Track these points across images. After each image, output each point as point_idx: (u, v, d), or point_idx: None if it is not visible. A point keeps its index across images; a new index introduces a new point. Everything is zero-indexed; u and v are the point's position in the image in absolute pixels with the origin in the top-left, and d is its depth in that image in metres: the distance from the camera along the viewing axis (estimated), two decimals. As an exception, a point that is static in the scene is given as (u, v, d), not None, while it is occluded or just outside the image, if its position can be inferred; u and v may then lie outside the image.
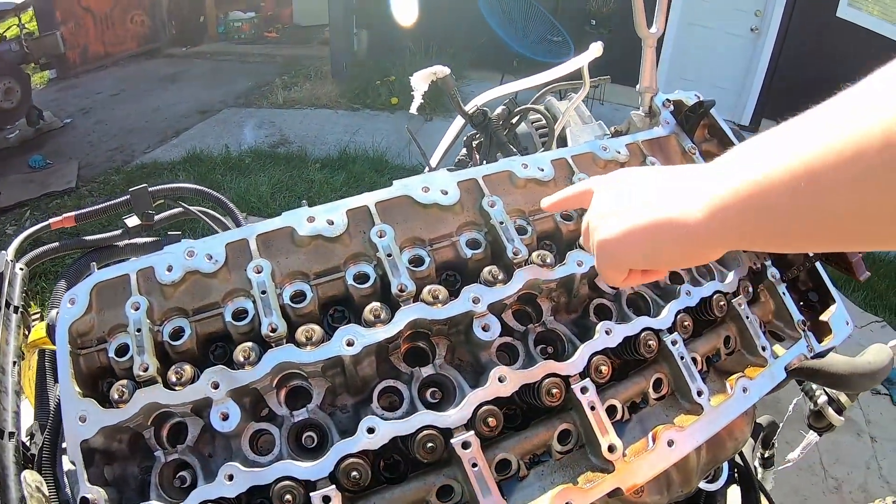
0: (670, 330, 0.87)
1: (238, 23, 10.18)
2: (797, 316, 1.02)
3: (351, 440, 0.68)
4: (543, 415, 0.79)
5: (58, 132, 6.30)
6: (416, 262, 0.83)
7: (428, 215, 0.87)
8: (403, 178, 0.87)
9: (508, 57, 7.03)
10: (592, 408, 0.75)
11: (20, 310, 0.96)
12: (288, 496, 0.65)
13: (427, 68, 1.15)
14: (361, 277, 0.80)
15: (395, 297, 0.77)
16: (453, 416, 0.70)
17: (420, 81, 1.15)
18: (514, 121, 1.35)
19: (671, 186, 0.59)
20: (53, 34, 6.59)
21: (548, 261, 0.83)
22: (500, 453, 0.73)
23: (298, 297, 0.78)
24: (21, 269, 1.03)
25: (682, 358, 0.85)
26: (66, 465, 0.75)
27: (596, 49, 1.17)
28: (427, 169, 1.42)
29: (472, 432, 0.70)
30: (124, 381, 0.71)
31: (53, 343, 0.74)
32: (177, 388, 0.70)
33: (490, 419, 0.71)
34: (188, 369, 0.72)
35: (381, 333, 0.74)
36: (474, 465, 0.68)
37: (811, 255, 1.08)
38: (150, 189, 1.24)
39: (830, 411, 1.36)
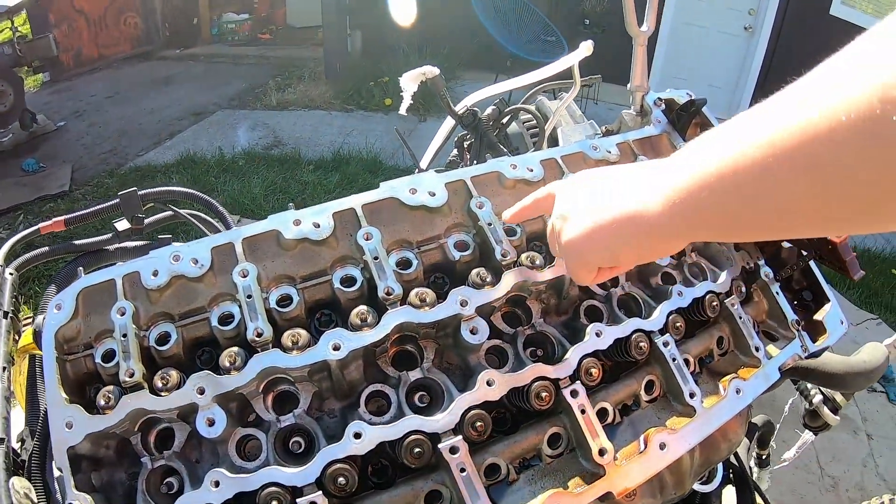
0: (662, 331, 0.86)
1: (232, 24, 10.15)
2: (791, 315, 1.02)
3: (337, 445, 0.67)
4: (533, 418, 0.78)
5: (51, 135, 6.27)
6: (404, 264, 0.82)
7: (415, 217, 0.86)
8: (390, 180, 0.86)
9: (502, 57, 7.03)
10: (583, 411, 0.74)
11: (9, 315, 0.95)
12: (274, 502, 0.64)
13: (416, 69, 1.14)
14: (348, 281, 0.79)
15: (382, 301, 0.76)
16: (441, 420, 0.70)
17: (409, 82, 1.14)
18: (504, 121, 1.35)
19: (630, 182, 0.61)
20: (46, 37, 6.57)
21: (537, 262, 0.83)
22: (489, 458, 0.72)
23: (284, 301, 0.78)
24: (10, 273, 1.02)
25: (674, 359, 0.84)
26: (55, 471, 0.74)
27: (586, 48, 1.16)
28: (417, 170, 1.41)
29: (460, 437, 0.69)
30: (110, 387, 0.70)
31: (40, 349, 0.73)
32: (163, 393, 0.70)
33: (478, 423, 0.70)
34: (174, 375, 0.71)
35: (368, 337, 0.73)
36: (462, 469, 0.67)
37: (805, 253, 1.07)
38: (139, 193, 1.23)
39: (826, 410, 1.35)
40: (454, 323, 0.77)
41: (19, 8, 6.48)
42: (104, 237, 1.27)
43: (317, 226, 0.80)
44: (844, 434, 3.23)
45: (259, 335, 0.72)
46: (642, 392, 0.84)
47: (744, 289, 1.01)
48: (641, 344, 0.83)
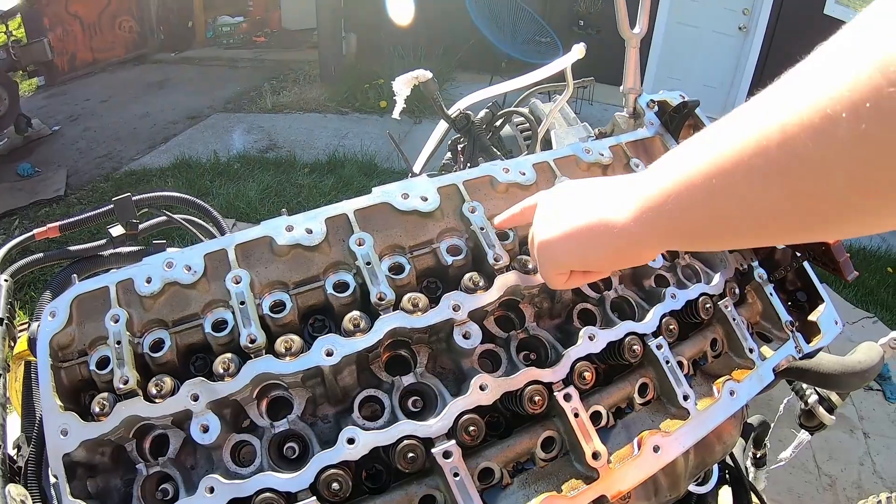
0: (655, 334, 0.86)
1: (227, 27, 10.14)
2: (785, 317, 1.02)
3: (331, 451, 0.67)
4: (527, 422, 0.78)
5: (46, 140, 6.26)
6: (396, 269, 0.82)
7: (408, 222, 0.86)
8: (383, 185, 0.86)
9: (497, 58, 7.04)
10: (576, 414, 0.74)
11: (5, 321, 0.95)
12: (269, 509, 0.64)
13: (409, 72, 1.14)
14: (341, 286, 0.79)
15: (375, 306, 0.76)
16: (434, 425, 0.70)
17: (402, 86, 1.14)
18: (497, 124, 1.35)
19: (605, 192, 0.64)
20: (41, 41, 6.55)
21: (530, 266, 0.83)
22: (483, 462, 0.72)
23: (277, 307, 0.78)
24: (5, 280, 1.02)
25: (667, 362, 0.84)
26: (51, 478, 0.74)
27: (578, 50, 1.17)
28: (410, 174, 1.41)
29: (453, 441, 0.69)
30: (105, 394, 0.70)
31: (35, 356, 0.73)
32: (157, 400, 0.70)
33: (472, 428, 0.70)
34: (168, 381, 0.71)
35: (361, 342, 0.73)
36: (456, 474, 0.67)
37: (799, 255, 1.08)
38: (133, 198, 1.23)
39: (821, 410, 1.35)
40: (447, 328, 0.77)
41: (14, 12, 6.47)
42: (99, 243, 1.26)
43: (309, 231, 0.80)
44: (841, 433, 3.24)
45: (252, 341, 0.72)
46: (636, 395, 0.84)
47: (737, 290, 1.01)
48: (635, 347, 0.83)
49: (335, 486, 0.65)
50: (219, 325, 0.77)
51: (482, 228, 0.84)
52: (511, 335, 0.82)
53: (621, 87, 1.18)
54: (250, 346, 0.72)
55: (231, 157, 5.65)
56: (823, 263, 1.08)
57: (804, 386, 1.39)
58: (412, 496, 0.69)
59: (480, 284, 0.80)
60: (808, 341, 1.02)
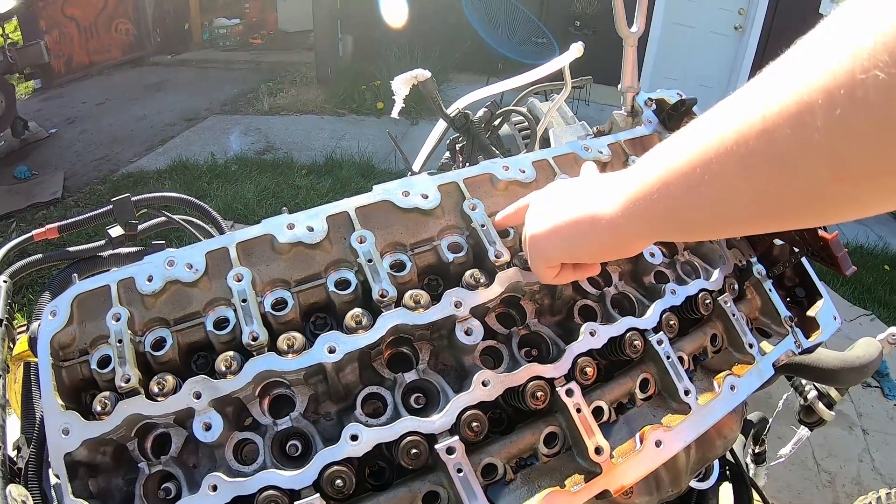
0: (656, 329, 0.86)
1: (223, 30, 10.14)
2: (784, 312, 1.02)
3: (334, 448, 0.67)
4: (529, 418, 0.78)
5: (43, 142, 6.25)
6: (398, 267, 0.82)
7: (408, 220, 0.86)
8: (383, 183, 0.86)
9: (493, 59, 7.05)
10: (578, 410, 0.74)
11: (4, 322, 0.95)
12: (272, 505, 0.64)
13: (407, 72, 1.14)
14: (342, 284, 0.79)
15: (377, 303, 0.76)
16: (437, 421, 0.70)
17: (401, 86, 1.14)
18: (496, 123, 1.35)
19: (593, 187, 0.67)
20: (38, 43, 6.54)
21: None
22: (486, 458, 0.72)
23: (279, 304, 0.78)
24: (4, 281, 1.02)
25: (668, 357, 0.84)
26: (52, 478, 0.74)
27: (576, 49, 1.17)
28: (409, 173, 1.41)
29: (456, 437, 0.69)
30: (107, 393, 0.70)
31: (36, 356, 0.73)
32: (159, 398, 0.69)
33: (474, 424, 0.71)
34: (170, 380, 0.71)
35: (363, 340, 0.73)
36: (459, 470, 0.67)
37: (797, 250, 1.08)
38: (132, 199, 1.23)
39: (821, 406, 1.36)
40: (449, 324, 0.77)
41: (10, 14, 6.46)
42: (98, 244, 1.26)
43: (311, 229, 0.80)
44: (840, 430, 3.25)
45: (254, 339, 0.72)
46: (637, 390, 0.84)
47: (736, 286, 1.01)
48: (636, 342, 0.83)
49: (339, 482, 0.65)
50: (220, 324, 0.77)
51: (483, 225, 0.84)
52: (512, 331, 0.82)
53: (619, 86, 1.18)
54: (252, 343, 0.72)
55: (228, 159, 5.65)
56: (822, 258, 1.08)
57: (803, 382, 1.40)
58: (416, 493, 0.69)
59: (482, 281, 0.80)
60: (807, 336, 1.03)
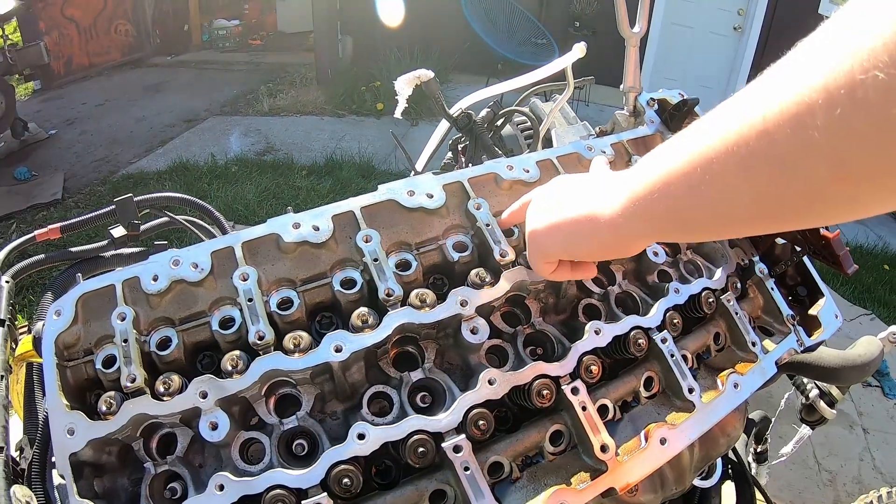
0: (660, 328, 0.87)
1: (222, 31, 10.14)
2: (786, 310, 1.02)
3: (341, 447, 0.67)
4: (535, 416, 0.78)
5: (43, 143, 6.25)
6: (403, 266, 0.82)
7: (414, 219, 0.86)
8: (388, 183, 0.86)
9: (493, 60, 7.06)
10: (584, 408, 0.75)
11: (6, 323, 0.95)
12: (279, 504, 0.64)
13: (410, 72, 1.14)
14: (348, 283, 0.80)
15: (383, 302, 0.76)
16: (444, 420, 0.70)
17: (404, 86, 1.14)
18: (498, 123, 1.35)
19: (594, 186, 0.67)
20: (37, 44, 6.54)
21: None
22: (492, 456, 0.73)
23: (285, 304, 0.78)
24: (7, 281, 1.02)
25: (672, 356, 0.85)
26: (56, 479, 0.74)
27: (579, 50, 1.17)
28: (412, 173, 1.42)
29: (463, 436, 0.69)
30: (112, 393, 0.70)
31: (40, 356, 0.73)
32: (165, 398, 0.69)
33: (481, 422, 0.71)
34: (176, 379, 0.71)
35: (369, 339, 0.73)
36: (466, 468, 0.67)
37: (798, 249, 1.08)
38: (135, 199, 1.23)
39: (822, 405, 1.36)
40: (454, 323, 0.78)
41: (9, 16, 6.45)
42: (100, 244, 1.26)
43: (316, 229, 0.80)
44: (841, 429, 3.25)
45: (261, 338, 0.72)
46: (641, 388, 0.85)
47: (739, 285, 1.02)
48: (640, 341, 0.84)
49: (346, 481, 0.65)
50: (226, 323, 0.77)
51: (488, 225, 0.84)
52: (518, 330, 0.82)
53: (621, 86, 1.19)
54: (259, 342, 0.72)
55: (228, 160, 5.65)
56: (823, 257, 1.09)
57: (805, 381, 1.40)
58: (423, 491, 0.69)
59: (487, 280, 0.80)
60: (809, 335, 1.03)
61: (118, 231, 1.25)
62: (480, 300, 0.78)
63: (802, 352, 0.98)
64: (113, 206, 1.24)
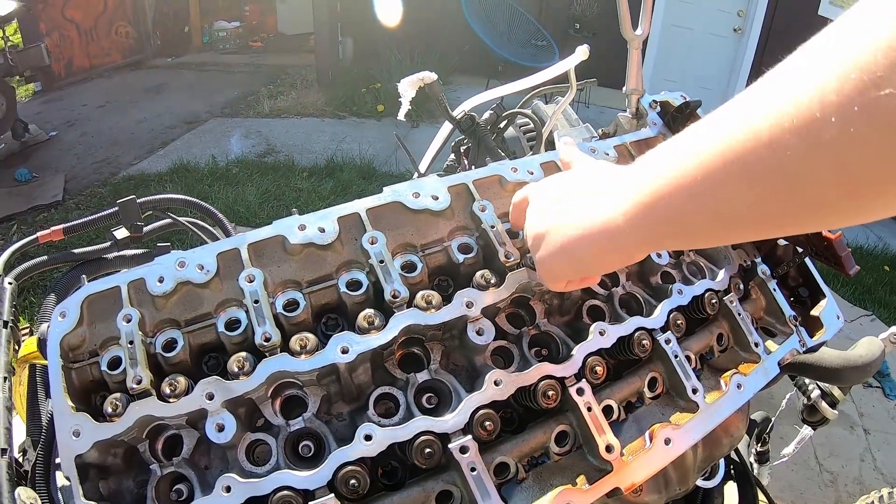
0: (663, 329, 0.87)
1: (223, 32, 10.15)
2: (788, 311, 1.03)
3: (348, 448, 0.67)
4: (540, 417, 0.78)
5: (43, 145, 6.25)
6: (409, 267, 0.83)
7: (419, 221, 0.86)
8: (393, 185, 0.87)
9: (493, 62, 7.08)
10: (589, 408, 0.75)
11: (9, 325, 0.95)
12: (286, 505, 0.64)
13: (414, 74, 1.14)
14: (354, 284, 0.80)
15: (389, 304, 0.76)
16: (450, 421, 0.70)
17: (407, 87, 1.15)
18: (501, 125, 1.36)
19: (595, 194, 0.64)
20: (38, 46, 6.53)
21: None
22: (499, 457, 0.73)
23: (291, 305, 0.78)
24: (9, 283, 1.01)
25: (676, 356, 0.85)
26: (60, 481, 0.74)
27: (582, 52, 1.18)
28: (416, 175, 1.42)
29: (469, 436, 0.70)
30: (118, 395, 0.70)
31: (45, 358, 0.73)
32: (171, 399, 0.69)
33: (487, 423, 0.71)
34: (182, 381, 0.71)
35: (376, 340, 0.73)
36: (473, 469, 0.67)
37: (800, 250, 1.09)
38: (138, 200, 1.23)
39: (824, 405, 1.37)
40: (460, 324, 0.78)
41: (10, 17, 6.45)
42: (103, 245, 1.26)
43: (322, 230, 0.80)
44: (842, 430, 3.25)
45: (267, 339, 0.72)
46: (646, 389, 0.85)
47: (742, 286, 1.02)
48: (644, 341, 0.84)
49: (353, 482, 0.65)
50: (232, 325, 0.77)
51: (493, 227, 0.85)
52: (523, 331, 0.83)
53: (624, 88, 1.19)
54: (265, 344, 0.72)
55: (229, 162, 5.65)
56: (825, 258, 1.09)
57: (806, 381, 1.41)
58: (429, 492, 0.69)
59: (492, 281, 0.80)
60: (811, 335, 1.03)
61: (121, 233, 1.25)
62: (486, 301, 0.78)
63: (805, 352, 0.99)
64: (116, 208, 1.24)
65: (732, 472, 1.27)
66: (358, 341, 0.72)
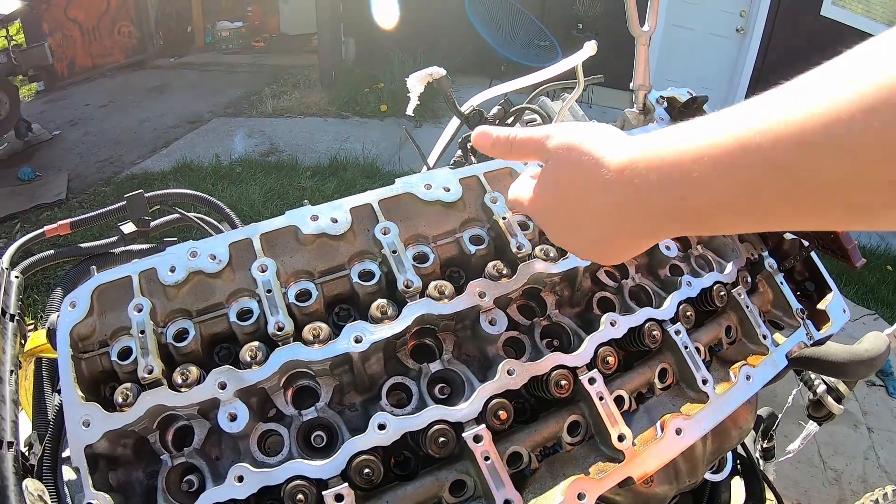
0: (673, 320, 0.87)
1: (225, 33, 10.16)
2: (795, 305, 1.03)
3: (362, 437, 0.67)
4: (551, 407, 0.79)
5: (46, 144, 6.26)
6: (421, 258, 0.83)
7: (431, 212, 0.87)
8: (405, 176, 0.87)
9: (496, 62, 7.07)
10: (601, 398, 0.75)
11: (16, 318, 0.95)
12: (300, 495, 0.64)
13: (423, 70, 1.15)
14: (366, 275, 0.80)
15: (402, 294, 0.77)
16: (464, 409, 0.70)
17: (416, 83, 1.15)
18: (509, 121, 1.36)
19: (609, 195, 0.55)
20: (41, 45, 6.55)
21: (551, 255, 0.84)
22: (512, 446, 0.73)
23: (304, 295, 0.78)
24: (17, 276, 1.02)
25: (686, 347, 0.85)
26: (66, 474, 0.74)
27: (590, 48, 1.18)
28: (425, 168, 1.42)
29: (483, 426, 0.70)
30: (129, 385, 0.70)
31: (54, 348, 0.73)
32: (183, 389, 0.69)
33: (501, 412, 0.71)
34: (194, 370, 0.71)
35: (389, 329, 0.73)
36: (486, 458, 0.67)
37: (807, 244, 1.09)
38: (146, 195, 1.23)
39: (830, 400, 1.37)
40: (472, 314, 0.78)
41: (14, 17, 6.48)
42: (110, 240, 1.26)
43: (334, 221, 0.81)
44: (845, 428, 3.25)
45: (280, 329, 0.72)
46: (656, 380, 0.85)
47: (749, 279, 1.02)
48: (654, 332, 0.84)
49: (367, 471, 0.65)
50: (244, 314, 0.77)
51: (504, 218, 0.85)
52: (534, 322, 0.83)
53: (631, 84, 1.20)
54: (278, 333, 0.72)
55: (233, 161, 5.65)
56: (832, 251, 1.10)
57: (812, 376, 1.41)
58: (442, 481, 0.69)
59: (504, 272, 0.81)
60: (817, 329, 1.04)
61: (128, 227, 1.25)
62: (498, 292, 0.79)
63: (812, 345, 0.99)
64: (124, 203, 1.25)
65: (739, 466, 1.27)
66: (371, 331, 0.73)
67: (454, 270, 0.88)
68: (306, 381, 0.75)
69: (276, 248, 0.81)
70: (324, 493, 0.64)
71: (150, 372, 0.70)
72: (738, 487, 1.27)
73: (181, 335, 0.76)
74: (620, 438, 0.73)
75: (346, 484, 0.65)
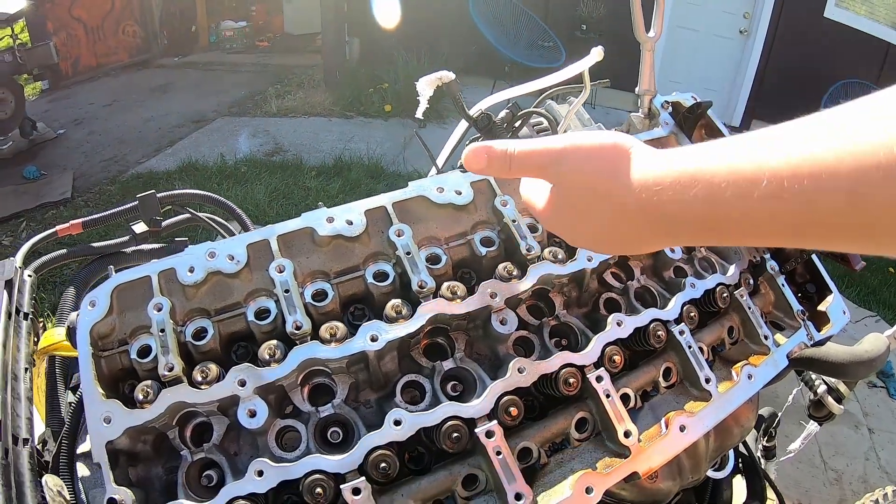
0: (677, 321, 0.89)
1: (229, 32, 10.18)
2: (796, 306, 1.05)
3: (378, 433, 0.69)
4: (560, 405, 0.81)
5: (51, 143, 6.30)
6: (433, 259, 0.85)
7: (443, 215, 0.89)
8: (418, 180, 0.89)
9: (500, 63, 7.08)
10: (608, 395, 0.77)
11: (30, 316, 0.96)
12: (318, 489, 0.66)
13: (432, 73, 1.16)
14: (381, 275, 0.82)
15: (416, 294, 0.79)
16: (476, 406, 0.72)
17: (426, 86, 1.16)
18: (517, 124, 1.38)
19: (627, 218, 0.57)
20: (46, 44, 6.58)
21: (559, 257, 0.86)
22: (522, 442, 0.75)
23: (320, 296, 0.80)
24: (30, 275, 1.03)
25: (689, 347, 0.87)
26: (81, 470, 0.76)
27: (597, 53, 1.20)
28: (433, 170, 1.44)
29: (494, 422, 0.72)
30: (149, 382, 0.72)
31: (74, 346, 0.74)
32: (203, 386, 0.71)
33: (512, 409, 0.73)
34: (214, 368, 0.73)
35: (404, 329, 0.76)
36: (498, 453, 0.70)
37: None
38: (158, 195, 1.25)
39: (830, 400, 1.39)
40: (484, 314, 0.80)
41: (19, 16, 6.50)
42: (121, 239, 1.28)
43: (350, 223, 0.83)
44: (846, 429, 3.27)
45: (298, 328, 0.75)
46: (661, 378, 0.87)
47: (751, 281, 1.04)
48: (659, 332, 0.86)
49: (384, 465, 0.67)
50: (261, 314, 0.79)
51: (514, 221, 0.87)
52: (543, 322, 0.85)
53: (636, 89, 1.21)
54: (296, 332, 0.74)
55: (238, 161, 5.68)
56: (832, 254, 1.12)
57: (813, 377, 1.43)
58: (455, 476, 0.72)
59: (514, 274, 0.83)
60: (818, 330, 1.06)
61: (139, 227, 1.26)
62: (509, 292, 0.81)
63: (812, 345, 1.01)
64: (136, 202, 1.26)
65: (741, 465, 1.29)
66: (387, 330, 0.75)
67: (465, 271, 0.90)
68: (323, 379, 0.77)
69: (293, 249, 0.83)
70: (342, 486, 0.66)
71: (171, 369, 0.71)
72: (739, 486, 1.29)
73: (200, 334, 0.77)
74: (626, 435, 0.76)
75: (364, 478, 0.67)
